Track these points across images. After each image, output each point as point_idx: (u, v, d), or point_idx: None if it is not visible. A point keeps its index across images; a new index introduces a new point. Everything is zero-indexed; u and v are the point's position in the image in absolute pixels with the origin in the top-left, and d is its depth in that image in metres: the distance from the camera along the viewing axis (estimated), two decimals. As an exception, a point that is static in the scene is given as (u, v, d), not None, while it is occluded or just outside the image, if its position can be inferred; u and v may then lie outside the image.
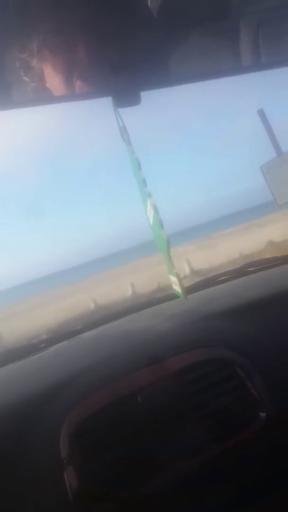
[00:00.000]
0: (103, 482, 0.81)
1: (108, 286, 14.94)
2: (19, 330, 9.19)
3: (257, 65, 0.81)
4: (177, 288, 0.59)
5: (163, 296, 1.63)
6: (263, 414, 0.90)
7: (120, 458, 0.83)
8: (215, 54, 0.91)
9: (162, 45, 0.81)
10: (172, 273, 0.58)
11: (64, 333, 1.45)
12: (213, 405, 0.90)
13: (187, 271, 9.91)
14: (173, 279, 0.59)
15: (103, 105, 0.68)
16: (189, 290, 1.53)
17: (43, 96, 0.70)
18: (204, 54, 0.89)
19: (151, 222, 0.58)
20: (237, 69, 0.84)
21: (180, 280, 0.56)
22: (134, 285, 9.94)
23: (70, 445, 0.84)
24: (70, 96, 0.66)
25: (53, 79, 0.71)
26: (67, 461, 0.83)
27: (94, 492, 0.81)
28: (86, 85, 0.68)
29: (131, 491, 0.81)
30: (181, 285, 0.57)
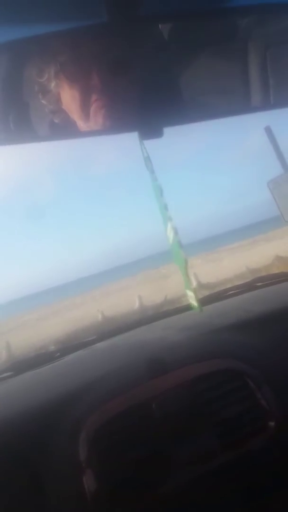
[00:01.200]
0: (120, 484, 0.86)
1: (115, 298, 14.94)
2: (27, 341, 9.22)
3: (267, 104, 0.87)
4: (193, 301, 0.65)
5: (173, 309, 1.68)
6: (272, 424, 0.93)
7: (136, 462, 0.87)
8: (223, 78, 0.95)
9: (175, 69, 0.86)
10: (189, 288, 0.64)
11: (79, 343, 1.50)
12: (223, 414, 0.94)
13: (194, 284, 9.89)
14: (190, 293, 0.65)
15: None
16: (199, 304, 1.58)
17: (73, 131, 0.76)
18: (212, 77, 0.94)
19: (171, 241, 0.64)
20: (246, 108, 0.89)
21: (196, 294, 0.62)
22: (141, 297, 9.95)
23: (89, 448, 0.89)
24: (99, 131, 0.72)
25: (69, 103, 0.77)
26: (85, 464, 0.87)
27: (111, 494, 0.85)
28: (101, 111, 0.73)
29: (146, 493, 0.85)
30: (197, 299, 0.62)
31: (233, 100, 0.95)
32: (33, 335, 10.36)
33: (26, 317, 19.28)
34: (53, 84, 0.76)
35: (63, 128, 0.80)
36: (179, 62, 0.89)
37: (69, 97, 0.76)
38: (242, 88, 0.94)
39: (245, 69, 0.94)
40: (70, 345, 1.53)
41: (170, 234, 0.61)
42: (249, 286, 1.72)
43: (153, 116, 0.69)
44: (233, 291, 1.70)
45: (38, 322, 15.69)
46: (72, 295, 25.95)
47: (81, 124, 0.77)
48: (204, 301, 1.61)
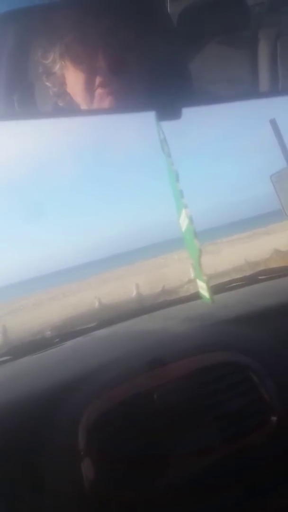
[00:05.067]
0: (118, 474, 0.85)
1: (113, 286, 14.99)
2: (24, 325, 9.27)
3: (275, 89, 0.85)
4: (204, 292, 0.63)
5: (175, 299, 1.67)
6: (274, 418, 0.92)
7: (135, 453, 0.86)
8: (232, 65, 0.93)
9: (182, 54, 0.83)
10: (201, 278, 0.62)
11: (78, 330, 1.49)
12: (225, 407, 0.93)
13: (192, 275, 9.93)
14: (201, 284, 0.63)
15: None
16: (199, 295, 1.57)
17: (87, 109, 0.73)
18: (221, 64, 0.92)
19: (184, 229, 0.62)
20: (255, 92, 0.88)
21: (208, 284, 0.60)
22: (138, 286, 9.96)
23: (88, 437, 0.88)
24: (113, 109, 0.70)
25: (74, 86, 0.74)
26: (84, 452, 0.86)
27: (109, 483, 0.84)
28: (107, 94, 0.71)
29: (144, 485, 0.84)
30: (209, 289, 0.60)
31: (242, 86, 0.95)
32: (29, 320, 10.40)
33: (23, 302, 19.35)
34: (57, 66, 0.74)
35: (69, 107, 0.77)
36: (189, 46, 0.87)
37: (73, 79, 0.73)
38: (251, 74, 0.93)
39: (255, 57, 0.92)
40: (70, 331, 1.52)
41: (184, 222, 0.59)
42: (251, 279, 1.71)
43: (168, 97, 0.66)
44: (235, 284, 1.69)
45: (34, 307, 15.75)
46: (69, 281, 26.01)
47: (86, 108, 0.74)
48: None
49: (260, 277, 1.71)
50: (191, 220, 0.55)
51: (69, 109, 0.77)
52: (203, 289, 0.61)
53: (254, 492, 0.88)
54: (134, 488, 0.84)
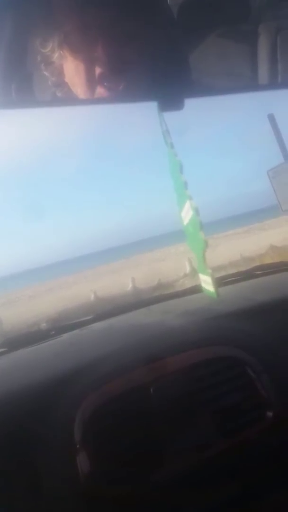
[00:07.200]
0: (114, 468, 0.85)
1: (109, 279, 15.00)
2: (19, 317, 9.26)
3: (275, 83, 0.84)
4: (208, 287, 0.62)
5: (173, 293, 1.66)
6: (270, 413, 0.92)
7: (131, 447, 0.86)
8: (231, 59, 0.93)
9: (181, 46, 0.82)
10: (205, 271, 0.61)
11: (75, 322, 1.49)
12: (222, 402, 0.93)
13: (188, 269, 9.97)
14: (204, 277, 0.62)
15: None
16: (196, 289, 1.57)
17: (86, 98, 0.71)
18: (221, 57, 0.91)
19: (186, 222, 0.61)
20: (255, 85, 0.87)
21: (213, 279, 0.58)
22: (134, 279, 9.97)
23: (84, 430, 0.87)
24: (113, 99, 0.68)
25: (72, 76, 0.73)
26: (80, 445, 0.86)
27: (104, 478, 0.84)
28: (106, 85, 0.69)
29: (140, 479, 0.84)
30: (214, 283, 0.59)
31: (241, 78, 0.94)
32: (25, 312, 10.39)
33: (18, 294, 19.34)
34: (56, 55, 0.73)
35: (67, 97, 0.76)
36: (189, 38, 0.86)
37: (72, 69, 0.72)
38: (250, 68, 0.92)
39: (254, 51, 0.91)
40: (66, 324, 1.51)
41: (188, 214, 0.57)
42: (248, 274, 1.71)
43: (170, 87, 0.65)
44: (232, 278, 1.69)
45: (30, 299, 15.75)
46: (65, 274, 25.98)
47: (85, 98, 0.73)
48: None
49: (256, 272, 1.71)
50: (196, 211, 0.53)
51: (68, 98, 0.76)
52: (207, 283, 0.60)
53: (250, 487, 0.88)
54: (130, 482, 0.84)
